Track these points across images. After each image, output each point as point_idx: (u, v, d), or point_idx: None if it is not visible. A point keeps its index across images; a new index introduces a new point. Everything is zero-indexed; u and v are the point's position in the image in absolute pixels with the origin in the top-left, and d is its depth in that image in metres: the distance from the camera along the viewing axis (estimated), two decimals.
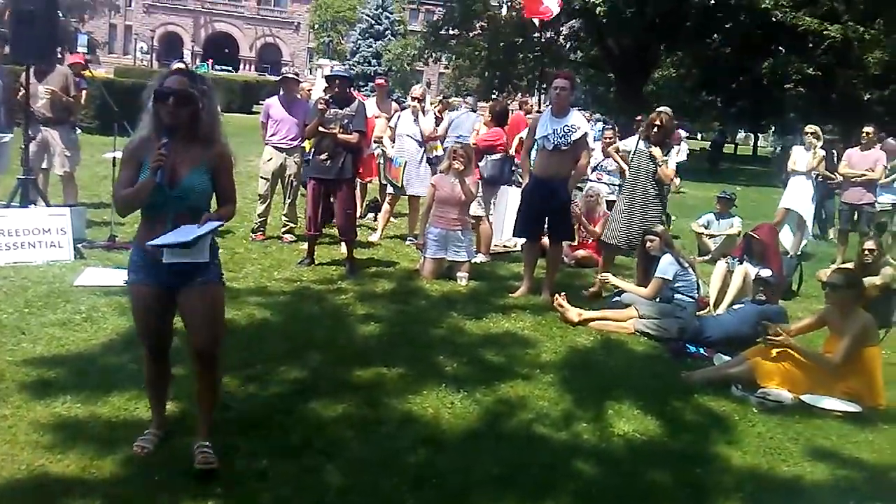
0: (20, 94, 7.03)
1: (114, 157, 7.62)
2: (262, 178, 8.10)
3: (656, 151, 6.59)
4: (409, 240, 8.66)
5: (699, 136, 49.56)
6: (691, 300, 6.04)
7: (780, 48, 25.99)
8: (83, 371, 4.15)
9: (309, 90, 10.22)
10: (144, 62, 55.09)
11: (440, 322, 5.78)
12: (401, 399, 4.23)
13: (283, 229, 8.16)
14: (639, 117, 13.61)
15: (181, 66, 7.62)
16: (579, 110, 6.69)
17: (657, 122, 6.69)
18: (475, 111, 10.51)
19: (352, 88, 7.40)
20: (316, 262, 7.16)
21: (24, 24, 6.32)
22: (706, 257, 9.18)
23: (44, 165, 7.56)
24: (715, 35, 27.17)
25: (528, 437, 3.97)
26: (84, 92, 8.40)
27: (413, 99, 8.85)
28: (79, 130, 8.37)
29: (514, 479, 3.47)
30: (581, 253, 8.43)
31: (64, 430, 3.48)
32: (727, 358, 5.37)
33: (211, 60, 59.07)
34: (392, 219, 9.42)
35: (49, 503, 2.92)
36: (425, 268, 7.10)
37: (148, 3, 67.91)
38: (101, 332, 4.79)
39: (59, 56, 8.69)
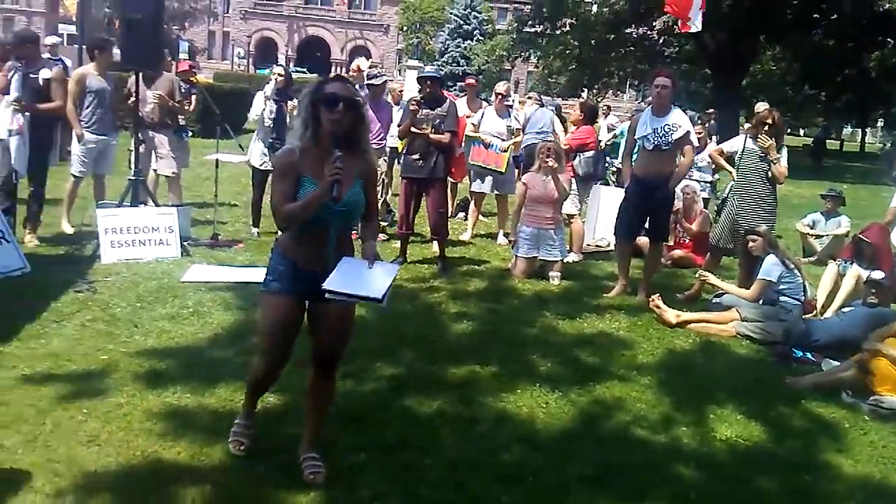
0: (130, 99, 7.37)
1: (216, 159, 7.93)
2: None
3: (771, 149, 6.35)
4: (501, 238, 8.64)
5: (801, 131, 47.55)
6: (797, 303, 5.79)
7: (889, 39, 24.62)
8: (191, 363, 4.32)
9: (400, 91, 10.34)
10: (241, 67, 56.97)
11: (533, 321, 5.75)
12: (495, 398, 4.23)
13: None
14: (710, 110, 13.12)
15: (282, 69, 7.88)
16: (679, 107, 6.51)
17: (768, 121, 6.43)
18: (544, 106, 10.45)
19: (443, 89, 7.45)
20: (408, 260, 7.24)
21: (132, 31, 6.62)
22: (812, 258, 8.80)
23: (153, 167, 7.92)
24: (818, 27, 25.99)
25: (624, 438, 3.91)
26: (194, 97, 8.75)
27: (497, 95, 8.83)
28: (190, 133, 8.71)
29: (609, 481, 3.42)
30: (678, 253, 8.23)
31: (175, 418, 3.64)
32: (836, 363, 5.13)
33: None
34: (482, 217, 9.42)
35: (162, 488, 3.05)
36: (517, 267, 7.07)
37: (245, 10, 70.17)
38: (206, 326, 4.99)
39: (173, 63, 9.06)
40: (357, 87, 8.67)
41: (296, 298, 3.10)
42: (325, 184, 2.87)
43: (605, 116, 16.70)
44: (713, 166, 9.56)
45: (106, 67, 7.46)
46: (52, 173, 7.19)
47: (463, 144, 9.01)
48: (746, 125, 21.13)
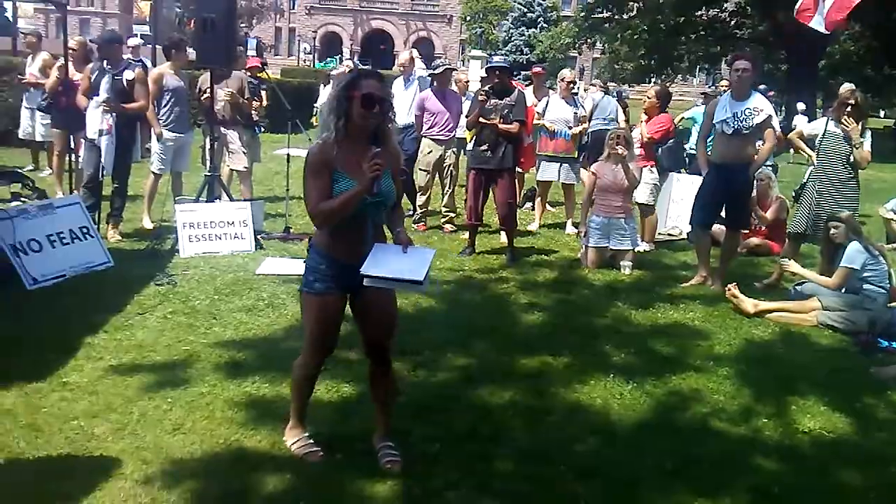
0: (205, 97, 7.56)
1: (287, 154, 8.07)
2: (422, 170, 8.26)
3: (854, 132, 6.11)
4: (570, 228, 8.56)
5: (882, 113, 45.53)
6: (882, 291, 5.57)
7: None
8: (268, 354, 4.43)
9: (467, 81, 10.33)
10: (307, 62, 57.79)
11: (605, 311, 5.68)
12: (568, 388, 4.20)
13: (444, 219, 8.31)
14: (771, 93, 12.63)
15: (350, 62, 7.97)
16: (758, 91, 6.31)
17: (851, 101, 6.18)
18: (608, 93, 10.34)
19: (511, 78, 7.41)
20: (477, 251, 7.24)
21: (207, 31, 6.78)
22: None
23: (227, 163, 8.11)
24: None
25: (702, 430, 3.83)
26: (264, 93, 8.92)
27: (565, 82, 8.73)
28: (262, 129, 8.87)
29: (687, 473, 3.36)
30: (754, 241, 7.98)
31: (255, 408, 3.73)
32: None
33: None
34: (549, 207, 9.35)
35: (245, 475, 3.14)
36: (588, 257, 6.99)
37: (310, 5, 71.14)
38: (282, 317, 5.10)
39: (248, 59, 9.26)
40: (408, 77, 8.71)
41: (339, 295, 3.13)
42: (365, 180, 2.91)
43: None
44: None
45: (181, 66, 7.67)
46: (133, 171, 7.43)
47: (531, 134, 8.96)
48: (800, 105, 20.37)
